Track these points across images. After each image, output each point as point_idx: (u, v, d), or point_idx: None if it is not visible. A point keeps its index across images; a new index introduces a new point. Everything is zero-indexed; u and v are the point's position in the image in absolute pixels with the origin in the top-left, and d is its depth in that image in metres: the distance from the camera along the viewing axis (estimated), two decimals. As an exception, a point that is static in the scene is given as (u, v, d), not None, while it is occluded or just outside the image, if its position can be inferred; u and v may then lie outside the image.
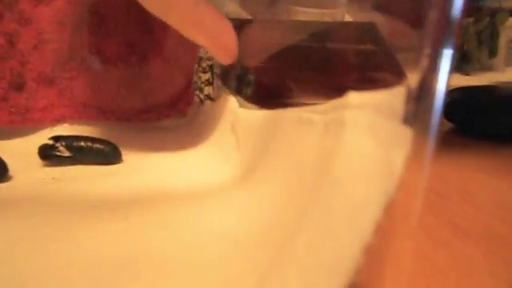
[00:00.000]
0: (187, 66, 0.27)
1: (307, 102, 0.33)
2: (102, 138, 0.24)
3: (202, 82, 0.27)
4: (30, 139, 0.24)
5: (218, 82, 0.27)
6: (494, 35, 0.52)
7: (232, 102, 0.21)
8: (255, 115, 0.19)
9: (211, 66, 0.27)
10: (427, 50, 0.14)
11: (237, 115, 0.20)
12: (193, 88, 0.27)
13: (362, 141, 0.10)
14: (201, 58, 0.27)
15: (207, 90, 0.27)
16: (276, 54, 0.31)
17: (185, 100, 0.27)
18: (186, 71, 0.27)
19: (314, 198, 0.11)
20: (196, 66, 0.27)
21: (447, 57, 0.14)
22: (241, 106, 0.21)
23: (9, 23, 0.24)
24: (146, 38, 0.26)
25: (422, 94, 0.14)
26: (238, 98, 0.21)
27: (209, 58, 0.27)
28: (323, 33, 0.31)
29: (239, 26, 0.31)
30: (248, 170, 0.18)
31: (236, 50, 0.22)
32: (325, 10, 0.38)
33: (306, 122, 0.14)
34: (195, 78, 0.27)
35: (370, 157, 0.10)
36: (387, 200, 0.10)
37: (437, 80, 0.13)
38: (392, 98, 0.10)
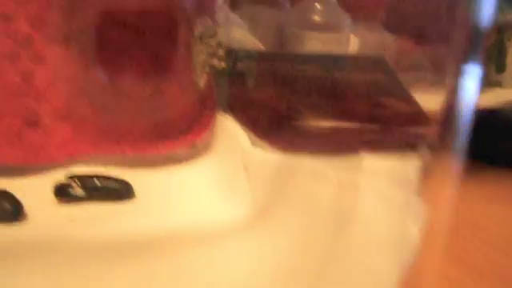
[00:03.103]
0: (202, 90, 0.27)
1: (316, 124, 0.33)
2: (117, 170, 0.25)
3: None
4: (45, 176, 0.24)
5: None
6: (502, 51, 0.52)
7: (244, 140, 0.21)
8: (268, 157, 0.19)
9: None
10: (452, 68, 0.14)
11: (249, 154, 0.21)
12: (209, 111, 0.27)
13: (377, 210, 0.11)
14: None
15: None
16: (288, 80, 0.31)
17: (201, 123, 0.27)
18: (201, 96, 0.27)
19: (330, 259, 0.11)
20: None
21: (474, 74, 0.13)
22: (253, 143, 0.21)
23: (24, 62, 0.24)
24: (159, 69, 0.26)
25: (448, 116, 0.13)
26: (250, 134, 0.22)
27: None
28: (335, 63, 0.31)
29: (256, 58, 0.31)
30: (260, 212, 0.18)
31: None
32: (332, 34, 0.39)
33: (320, 176, 0.14)
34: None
35: (386, 227, 0.10)
36: (403, 270, 0.10)
37: (462, 100, 0.13)
38: (406, 168, 0.11)
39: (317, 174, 0.15)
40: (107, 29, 0.26)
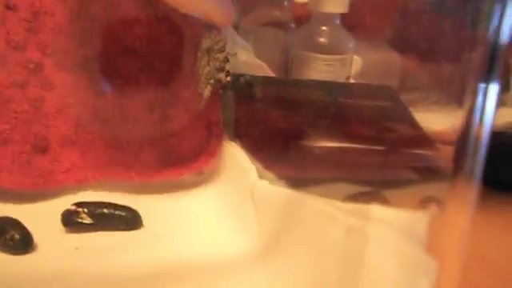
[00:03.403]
0: (208, 117, 0.27)
1: (321, 146, 0.33)
2: (124, 196, 0.25)
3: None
4: (54, 202, 0.24)
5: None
6: (506, 70, 0.52)
7: (252, 170, 0.21)
8: (275, 191, 0.19)
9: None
10: (470, 87, 0.14)
11: (256, 185, 0.21)
12: (216, 138, 0.27)
13: (386, 261, 0.11)
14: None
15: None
16: (295, 106, 0.31)
17: (208, 150, 0.27)
18: (208, 123, 0.27)
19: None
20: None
21: (493, 93, 0.13)
22: (260, 175, 0.21)
23: (34, 89, 0.25)
24: (167, 95, 0.27)
25: (465, 139, 0.13)
26: (257, 165, 0.22)
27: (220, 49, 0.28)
28: (343, 91, 0.32)
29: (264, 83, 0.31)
30: (267, 247, 0.19)
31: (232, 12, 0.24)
32: (336, 56, 0.39)
33: (329, 217, 0.14)
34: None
35: (393, 282, 0.10)
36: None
37: (480, 121, 0.13)
38: (416, 223, 0.11)
39: (325, 215, 0.15)
40: (115, 55, 0.26)
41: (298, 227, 0.16)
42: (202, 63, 0.27)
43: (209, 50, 0.27)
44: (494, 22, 0.14)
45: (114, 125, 0.26)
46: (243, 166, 0.23)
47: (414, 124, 0.33)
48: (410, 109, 0.46)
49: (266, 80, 0.32)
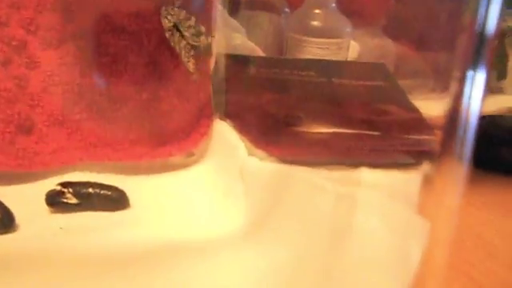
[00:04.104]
0: (199, 97, 0.27)
1: (314, 130, 0.33)
2: (112, 178, 0.24)
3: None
4: (39, 184, 0.23)
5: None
6: (503, 57, 0.51)
7: (241, 148, 0.21)
8: (265, 167, 0.19)
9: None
10: (456, 74, 0.14)
11: (245, 162, 0.20)
12: (206, 119, 0.26)
13: (376, 227, 0.10)
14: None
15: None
16: (287, 86, 0.31)
17: (198, 131, 0.26)
18: (198, 103, 0.27)
19: (327, 274, 0.11)
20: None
21: (480, 79, 0.13)
22: (249, 152, 0.21)
23: (18, 67, 0.24)
24: (156, 75, 0.26)
25: (452, 122, 0.13)
26: (246, 143, 0.21)
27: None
28: (335, 70, 0.31)
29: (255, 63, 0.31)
30: (256, 222, 0.18)
31: None
32: (331, 40, 0.38)
33: (317, 188, 0.13)
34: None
35: (385, 244, 0.10)
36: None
37: (467, 106, 0.13)
38: (407, 183, 0.10)
39: (314, 186, 0.14)
40: (102, 33, 0.26)
41: (287, 200, 0.16)
42: (176, 39, 0.26)
43: (176, 25, 0.26)
44: (481, 9, 0.13)
45: (101, 105, 0.26)
46: (232, 144, 0.23)
47: (408, 105, 0.32)
48: (407, 93, 0.46)
49: (258, 59, 0.31)
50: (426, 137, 0.34)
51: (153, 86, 0.26)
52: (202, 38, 0.26)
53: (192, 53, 0.26)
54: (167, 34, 0.26)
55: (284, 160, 0.25)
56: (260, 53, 0.35)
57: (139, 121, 0.26)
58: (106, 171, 0.26)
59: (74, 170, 0.25)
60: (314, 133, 0.33)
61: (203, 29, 0.26)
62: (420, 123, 0.34)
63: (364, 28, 0.50)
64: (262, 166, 0.19)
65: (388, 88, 0.30)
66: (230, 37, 0.33)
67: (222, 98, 0.27)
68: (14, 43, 0.24)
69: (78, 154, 0.25)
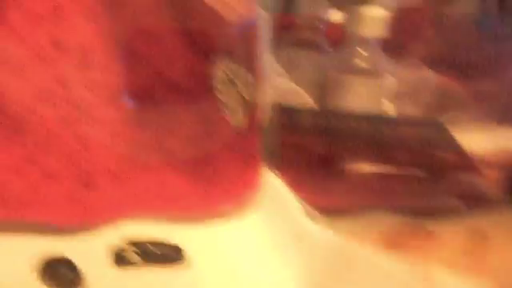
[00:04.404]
0: (247, 149, 0.27)
1: (361, 171, 0.32)
2: (165, 228, 0.25)
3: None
4: (99, 236, 0.25)
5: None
6: None
7: (297, 209, 0.21)
8: (324, 237, 0.19)
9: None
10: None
11: (302, 226, 0.20)
12: (253, 171, 0.27)
13: None
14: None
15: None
16: (338, 138, 0.31)
17: (246, 183, 0.27)
18: (246, 155, 0.27)
19: None
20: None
21: None
22: (307, 213, 0.21)
23: (80, 126, 0.25)
24: (207, 128, 0.27)
25: None
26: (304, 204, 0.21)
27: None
28: (388, 123, 0.31)
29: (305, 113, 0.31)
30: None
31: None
32: (373, 79, 0.38)
33: (384, 275, 0.13)
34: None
35: None
36: None
37: None
38: None
39: (380, 271, 0.14)
40: (159, 90, 0.27)
41: (345, 276, 0.16)
42: (226, 91, 0.27)
43: (229, 78, 0.27)
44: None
45: (154, 158, 0.27)
46: (287, 202, 0.23)
47: (459, 150, 0.31)
48: (449, 127, 0.45)
49: (309, 111, 0.32)
50: (475, 178, 0.33)
51: (203, 138, 0.27)
52: (252, 90, 0.27)
53: (242, 105, 0.27)
54: (218, 86, 0.27)
55: (334, 211, 0.25)
56: (305, 96, 0.36)
57: (189, 173, 0.27)
58: (159, 220, 0.27)
59: (129, 220, 0.26)
60: (360, 173, 0.32)
61: (254, 81, 0.27)
62: (468, 164, 0.33)
63: (402, 59, 0.49)
64: (321, 233, 0.19)
65: (441, 139, 0.29)
66: (274, 82, 0.33)
67: (274, 148, 0.27)
68: (78, 103, 0.25)
69: (132, 206, 0.26)
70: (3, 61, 0.24)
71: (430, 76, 0.48)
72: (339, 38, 0.42)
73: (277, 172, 0.27)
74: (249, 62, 0.28)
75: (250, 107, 0.27)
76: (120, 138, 0.26)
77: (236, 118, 0.27)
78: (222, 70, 0.27)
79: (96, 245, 0.24)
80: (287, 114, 0.30)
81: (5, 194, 0.24)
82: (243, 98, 0.27)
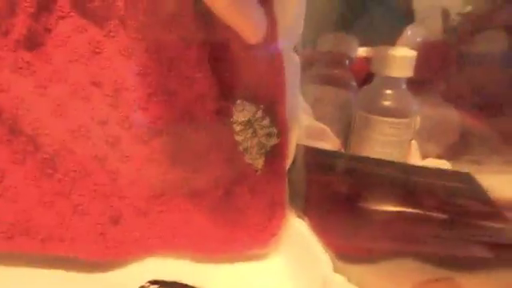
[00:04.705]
0: (272, 197, 0.27)
1: (387, 210, 0.32)
2: (186, 265, 0.25)
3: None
4: (122, 271, 0.25)
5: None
6: None
7: (325, 263, 0.21)
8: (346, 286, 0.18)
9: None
10: None
11: (325, 274, 0.20)
12: (278, 220, 0.27)
13: None
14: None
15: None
16: (366, 179, 0.31)
17: (270, 231, 0.27)
18: (271, 202, 0.27)
19: None
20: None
21: None
22: (334, 266, 0.20)
23: (111, 162, 0.26)
24: (232, 171, 0.27)
25: None
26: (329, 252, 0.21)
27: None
28: (415, 171, 0.30)
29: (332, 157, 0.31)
30: None
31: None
32: (401, 120, 0.38)
33: None
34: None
35: None
36: None
37: None
38: None
39: None
40: (187, 129, 0.27)
41: None
42: (247, 136, 0.27)
43: (250, 122, 0.27)
44: None
45: (181, 198, 0.27)
46: (312, 248, 0.23)
47: (487, 201, 0.31)
48: (476, 168, 0.44)
49: (338, 154, 0.31)
50: (503, 226, 0.33)
51: (228, 181, 0.27)
52: (274, 138, 0.27)
53: (263, 151, 0.27)
54: (237, 128, 0.27)
55: (361, 258, 0.24)
56: (329, 132, 0.36)
57: (214, 215, 0.27)
58: (183, 258, 0.27)
59: (153, 256, 0.27)
60: (386, 213, 0.32)
61: (276, 130, 0.27)
62: (497, 213, 0.32)
63: (423, 95, 0.49)
64: (343, 285, 0.19)
65: (467, 190, 0.29)
66: (300, 120, 0.33)
67: (301, 193, 0.27)
68: (110, 140, 0.26)
69: (157, 243, 0.26)
70: (43, 98, 0.25)
71: (453, 115, 0.47)
72: (366, 75, 0.42)
73: (302, 215, 0.27)
74: (271, 102, 0.28)
75: (271, 151, 0.27)
76: (149, 175, 0.26)
77: (255, 162, 0.27)
78: (239, 112, 0.27)
79: (117, 279, 0.24)
80: (313, 156, 0.30)
81: (34, 226, 0.25)
82: (262, 144, 0.27)
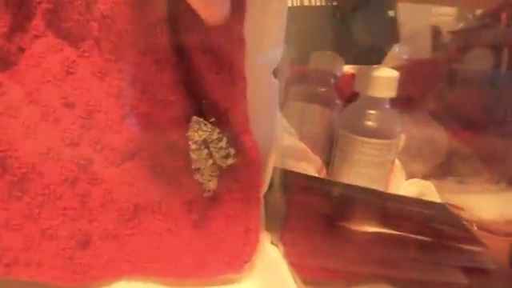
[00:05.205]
0: (246, 223, 0.27)
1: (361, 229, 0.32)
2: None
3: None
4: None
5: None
6: None
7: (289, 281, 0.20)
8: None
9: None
10: None
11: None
12: (251, 246, 0.27)
13: None
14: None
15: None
16: (340, 196, 0.31)
17: (242, 258, 0.27)
18: (246, 228, 0.27)
19: None
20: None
21: None
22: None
23: (82, 184, 0.25)
24: (206, 197, 0.27)
25: None
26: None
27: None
28: (392, 199, 0.30)
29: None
30: None
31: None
32: (384, 141, 0.38)
33: None
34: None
35: None
36: None
37: None
38: None
39: None
40: (161, 152, 0.27)
41: None
42: (202, 156, 0.26)
43: (206, 142, 0.26)
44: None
45: (152, 222, 0.26)
46: (285, 281, 0.22)
47: (463, 227, 0.30)
48: (457, 188, 0.43)
49: (318, 181, 0.31)
50: (479, 249, 0.32)
51: (202, 206, 0.27)
52: (230, 160, 0.26)
53: (216, 173, 0.26)
54: (192, 147, 0.26)
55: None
56: (310, 154, 0.35)
57: (187, 239, 0.26)
58: (151, 282, 0.26)
59: (125, 282, 0.26)
60: (363, 233, 0.32)
61: (233, 151, 0.26)
62: (472, 237, 0.32)
63: (410, 114, 0.48)
64: None
65: (443, 216, 0.28)
66: (279, 137, 0.33)
67: (278, 217, 0.27)
68: (81, 162, 0.26)
69: (127, 267, 0.26)
70: (13, 119, 0.25)
71: (440, 134, 0.47)
72: (350, 93, 0.42)
73: (277, 241, 0.26)
74: (238, 130, 0.27)
75: (246, 178, 0.27)
76: (120, 199, 0.26)
77: (206, 183, 0.26)
78: (194, 131, 0.26)
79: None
80: (291, 178, 0.30)
81: (0, 250, 0.24)
82: (215, 164, 0.26)
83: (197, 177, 0.26)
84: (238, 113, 0.26)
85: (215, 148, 0.26)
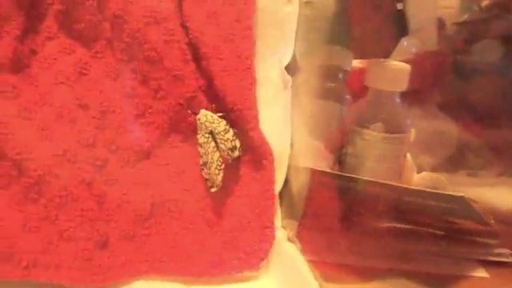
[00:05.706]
0: (263, 220, 0.27)
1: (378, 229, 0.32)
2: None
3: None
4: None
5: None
6: None
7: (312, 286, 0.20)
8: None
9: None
10: None
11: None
12: (267, 243, 0.26)
13: None
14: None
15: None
16: (356, 192, 0.30)
17: (257, 255, 0.26)
18: (262, 226, 0.27)
19: None
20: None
21: None
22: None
23: (98, 185, 0.25)
24: (221, 195, 0.27)
25: None
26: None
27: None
28: (410, 193, 0.30)
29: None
30: None
31: None
32: (395, 135, 0.37)
33: None
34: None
35: None
36: None
37: None
38: None
39: None
40: (174, 152, 0.27)
41: None
42: (210, 149, 0.26)
43: (212, 134, 0.27)
44: None
45: (169, 221, 0.26)
46: (304, 277, 0.22)
47: (481, 220, 0.30)
48: (472, 180, 0.43)
49: (331, 173, 0.31)
50: (494, 242, 0.32)
51: (217, 205, 0.27)
52: (236, 152, 0.26)
53: (222, 167, 0.26)
54: (200, 140, 0.26)
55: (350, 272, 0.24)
56: (322, 149, 0.35)
57: (203, 237, 0.26)
58: (168, 281, 0.26)
59: (139, 280, 0.26)
60: (374, 227, 0.32)
61: (239, 144, 0.27)
62: (489, 230, 0.32)
63: (420, 107, 0.48)
64: None
65: (461, 209, 0.28)
66: (292, 137, 0.33)
67: (295, 214, 0.27)
68: (97, 163, 0.26)
69: (145, 266, 0.26)
70: (28, 121, 0.25)
71: (450, 127, 0.47)
72: (359, 86, 0.42)
73: (294, 237, 0.26)
74: (246, 128, 0.27)
75: (261, 175, 0.27)
76: (136, 199, 0.26)
77: (213, 178, 0.26)
78: (204, 122, 0.26)
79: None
80: (306, 175, 0.29)
81: (17, 253, 0.24)
82: (222, 157, 0.26)
83: (204, 172, 0.27)
84: (247, 110, 0.26)
85: (221, 139, 0.26)
